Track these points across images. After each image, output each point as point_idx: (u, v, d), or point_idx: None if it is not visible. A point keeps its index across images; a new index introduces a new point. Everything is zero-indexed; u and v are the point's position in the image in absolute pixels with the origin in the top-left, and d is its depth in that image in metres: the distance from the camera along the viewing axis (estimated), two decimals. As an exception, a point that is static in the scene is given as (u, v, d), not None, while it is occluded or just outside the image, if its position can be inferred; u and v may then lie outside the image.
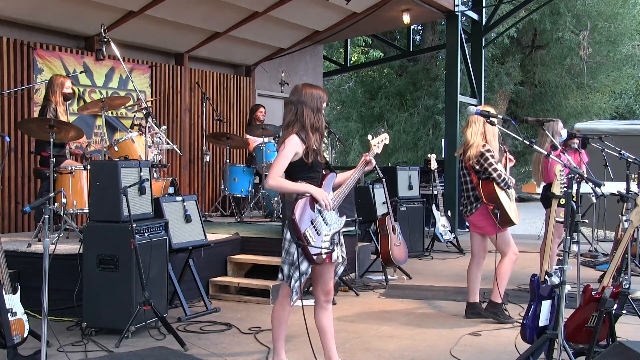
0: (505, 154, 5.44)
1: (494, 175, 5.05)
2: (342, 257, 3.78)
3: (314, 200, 3.59)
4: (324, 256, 3.62)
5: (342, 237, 3.80)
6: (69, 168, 5.99)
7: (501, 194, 5.09)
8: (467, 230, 11.41)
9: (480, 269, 5.44)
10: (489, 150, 5.08)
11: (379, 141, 3.97)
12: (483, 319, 5.32)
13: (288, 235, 3.60)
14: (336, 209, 3.74)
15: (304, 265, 3.57)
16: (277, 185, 3.61)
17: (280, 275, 3.68)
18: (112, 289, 4.70)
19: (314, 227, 3.57)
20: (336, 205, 3.73)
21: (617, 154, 5.83)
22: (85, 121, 8.06)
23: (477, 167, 5.11)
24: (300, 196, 3.58)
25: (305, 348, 4.38)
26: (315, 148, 3.66)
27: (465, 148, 5.23)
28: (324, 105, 3.76)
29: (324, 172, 3.76)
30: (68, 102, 6.73)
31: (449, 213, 9.51)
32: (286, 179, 3.64)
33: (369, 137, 4.04)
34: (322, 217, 3.62)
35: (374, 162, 3.91)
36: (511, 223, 5.17)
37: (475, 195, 5.21)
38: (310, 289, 6.27)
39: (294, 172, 3.64)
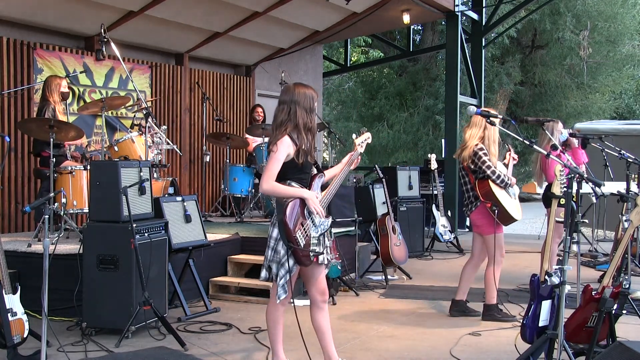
0: (508, 152, 5.44)
1: (488, 172, 5.06)
2: (328, 259, 3.76)
3: (303, 203, 3.58)
4: (312, 258, 3.61)
5: (327, 239, 3.77)
6: (69, 168, 5.99)
7: (498, 192, 5.09)
8: (467, 230, 11.45)
9: (475, 270, 5.46)
10: (481, 149, 5.09)
11: (362, 141, 3.98)
12: (471, 317, 5.35)
13: (274, 234, 3.58)
14: (325, 209, 3.72)
15: (290, 262, 3.54)
16: (271, 190, 3.57)
17: (264, 274, 3.66)
18: (112, 289, 4.70)
19: (304, 229, 3.56)
20: (324, 206, 3.71)
21: (617, 154, 5.83)
22: (85, 121, 8.06)
23: (472, 166, 5.14)
24: (290, 198, 3.57)
25: (302, 349, 4.38)
26: (306, 148, 3.64)
27: (460, 149, 5.27)
28: (315, 104, 3.75)
29: (312, 174, 3.75)
30: (67, 102, 6.73)
31: (449, 213, 9.51)
32: (276, 180, 3.59)
33: (354, 136, 4.04)
34: (311, 219, 3.61)
35: (358, 161, 3.95)
36: (512, 219, 5.17)
37: (475, 195, 5.22)
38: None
39: (284, 172, 3.61)
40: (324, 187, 3.80)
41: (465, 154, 5.17)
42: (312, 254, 3.59)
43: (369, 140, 4.04)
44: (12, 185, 7.43)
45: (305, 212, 3.59)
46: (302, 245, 3.53)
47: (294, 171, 3.63)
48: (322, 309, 3.78)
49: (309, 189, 3.66)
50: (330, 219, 3.74)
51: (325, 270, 3.81)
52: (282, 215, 3.50)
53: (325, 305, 3.80)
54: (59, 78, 6.54)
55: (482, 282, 5.37)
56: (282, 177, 3.60)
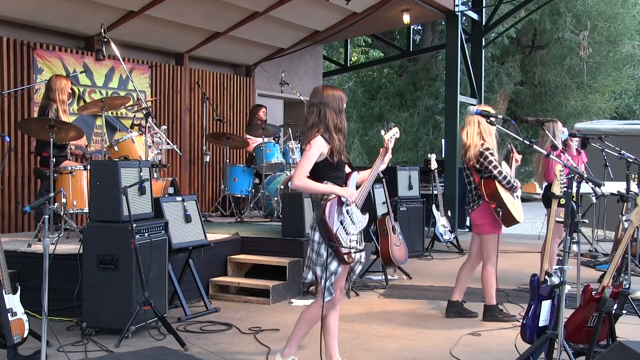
0: (512, 154, 5.43)
1: (495, 172, 5.05)
2: (364, 256, 3.84)
3: (340, 201, 3.63)
4: (354, 255, 3.67)
5: (362, 235, 3.84)
6: (69, 168, 5.99)
7: (503, 193, 5.07)
8: (467, 230, 11.44)
9: (472, 272, 5.45)
10: (488, 149, 5.08)
11: (390, 136, 4.03)
12: (469, 318, 5.36)
13: (316, 237, 3.63)
14: (360, 207, 3.78)
15: (334, 265, 3.61)
16: (302, 186, 3.65)
17: (310, 276, 3.71)
18: (112, 289, 4.70)
19: (343, 227, 3.63)
20: (361, 203, 3.78)
21: (617, 154, 5.83)
22: (85, 121, 8.06)
23: (478, 166, 5.12)
24: (327, 197, 3.62)
25: (306, 348, 4.38)
26: (338, 148, 3.71)
27: (464, 149, 5.24)
28: (344, 105, 3.82)
29: (347, 172, 3.82)
30: (68, 102, 6.73)
31: (449, 213, 9.51)
32: (312, 179, 3.67)
33: (382, 132, 4.09)
34: (349, 216, 3.67)
35: (390, 156, 4.00)
36: (514, 221, 5.16)
37: (478, 194, 5.21)
38: (312, 288, 6.30)
39: (319, 172, 3.68)
40: (357, 187, 3.86)
41: (470, 154, 5.13)
42: (353, 252, 3.66)
43: (397, 135, 4.09)
44: (12, 185, 7.43)
45: (344, 209, 3.64)
46: (342, 243, 3.59)
47: (329, 170, 3.70)
48: (334, 308, 3.83)
49: (345, 186, 3.72)
50: (367, 216, 3.83)
51: (359, 268, 3.85)
52: (321, 215, 3.56)
53: (338, 304, 3.84)
54: (65, 78, 6.51)
55: (479, 282, 5.37)
56: (318, 177, 3.68)
